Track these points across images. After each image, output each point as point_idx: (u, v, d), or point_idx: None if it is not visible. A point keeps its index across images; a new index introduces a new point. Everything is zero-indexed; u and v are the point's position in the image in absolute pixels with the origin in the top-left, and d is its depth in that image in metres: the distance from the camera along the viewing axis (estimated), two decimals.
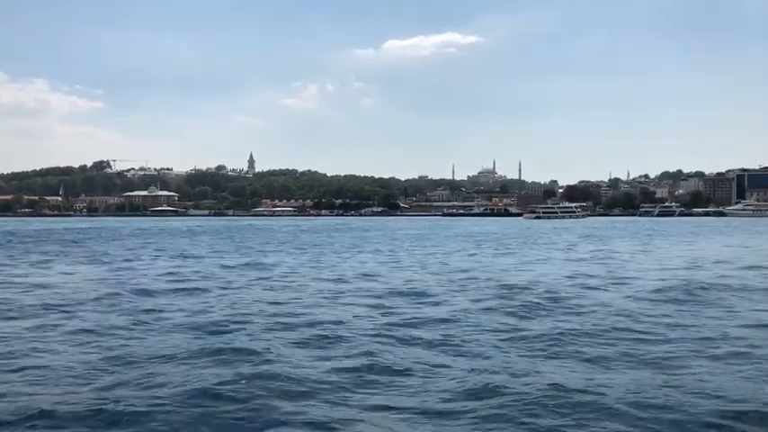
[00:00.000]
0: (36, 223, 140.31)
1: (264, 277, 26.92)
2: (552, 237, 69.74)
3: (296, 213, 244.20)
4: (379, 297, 20.23)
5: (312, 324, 15.18)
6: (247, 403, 9.27)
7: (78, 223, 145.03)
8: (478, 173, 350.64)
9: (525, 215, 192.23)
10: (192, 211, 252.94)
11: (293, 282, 25.15)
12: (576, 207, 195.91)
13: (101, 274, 28.77)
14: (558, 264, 34.04)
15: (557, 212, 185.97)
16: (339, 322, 15.47)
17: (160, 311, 17.31)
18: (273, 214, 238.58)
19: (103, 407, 9.08)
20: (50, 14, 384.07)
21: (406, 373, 10.90)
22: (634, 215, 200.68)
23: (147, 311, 17.31)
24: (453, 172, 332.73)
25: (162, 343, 13.24)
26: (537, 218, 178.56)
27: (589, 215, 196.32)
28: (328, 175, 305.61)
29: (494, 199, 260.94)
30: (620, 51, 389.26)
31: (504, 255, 41.77)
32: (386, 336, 13.92)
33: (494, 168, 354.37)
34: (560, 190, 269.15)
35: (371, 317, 16.49)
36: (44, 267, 32.40)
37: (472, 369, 11.00)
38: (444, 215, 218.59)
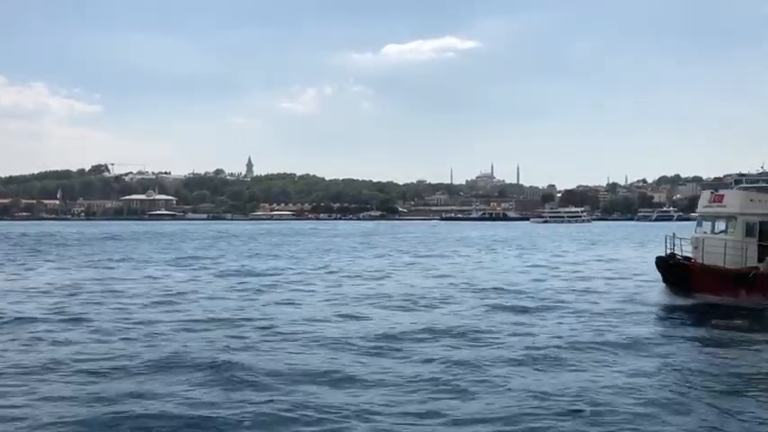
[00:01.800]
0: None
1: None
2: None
3: (294, 217, 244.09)
4: None
5: None
6: None
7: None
8: (477, 177, 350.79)
9: (533, 219, 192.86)
10: (190, 215, 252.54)
11: None
12: (581, 212, 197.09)
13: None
14: None
15: (564, 217, 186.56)
16: None
17: None
18: (272, 218, 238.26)
19: None
20: (49, 18, 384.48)
21: None
22: (632, 220, 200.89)
23: None
24: (451, 176, 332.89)
25: None
26: (545, 222, 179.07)
27: (594, 219, 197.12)
28: (326, 179, 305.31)
29: (492, 203, 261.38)
30: (617, 56, 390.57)
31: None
32: None
33: (492, 173, 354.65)
34: (558, 194, 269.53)
35: None
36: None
37: None
38: (442, 219, 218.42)
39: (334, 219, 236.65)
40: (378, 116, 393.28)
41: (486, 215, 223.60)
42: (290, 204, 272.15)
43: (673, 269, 23.24)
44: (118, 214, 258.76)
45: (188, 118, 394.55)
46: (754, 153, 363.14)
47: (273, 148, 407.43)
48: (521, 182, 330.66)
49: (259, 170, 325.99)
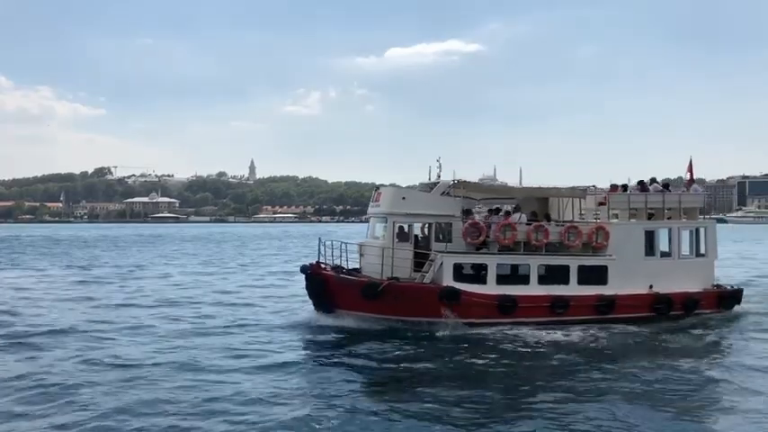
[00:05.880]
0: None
1: None
2: None
3: (297, 220, 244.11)
4: None
5: None
6: None
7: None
8: (479, 179, 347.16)
9: None
10: (192, 218, 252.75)
11: None
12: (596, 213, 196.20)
13: None
14: None
15: None
16: None
17: None
18: (274, 221, 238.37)
19: None
20: (54, 22, 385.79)
21: None
22: None
23: None
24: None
25: None
26: None
27: None
28: (329, 181, 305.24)
29: (495, 205, 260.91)
30: (620, 57, 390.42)
31: None
32: None
33: (494, 175, 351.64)
34: None
35: None
36: None
37: None
38: None
39: (337, 221, 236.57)
40: (381, 119, 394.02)
41: None
42: (293, 207, 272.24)
43: (311, 280, 19.72)
44: (121, 217, 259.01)
45: (191, 121, 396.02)
46: (758, 155, 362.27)
47: (276, 150, 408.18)
48: (523, 184, 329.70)
49: (262, 173, 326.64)
